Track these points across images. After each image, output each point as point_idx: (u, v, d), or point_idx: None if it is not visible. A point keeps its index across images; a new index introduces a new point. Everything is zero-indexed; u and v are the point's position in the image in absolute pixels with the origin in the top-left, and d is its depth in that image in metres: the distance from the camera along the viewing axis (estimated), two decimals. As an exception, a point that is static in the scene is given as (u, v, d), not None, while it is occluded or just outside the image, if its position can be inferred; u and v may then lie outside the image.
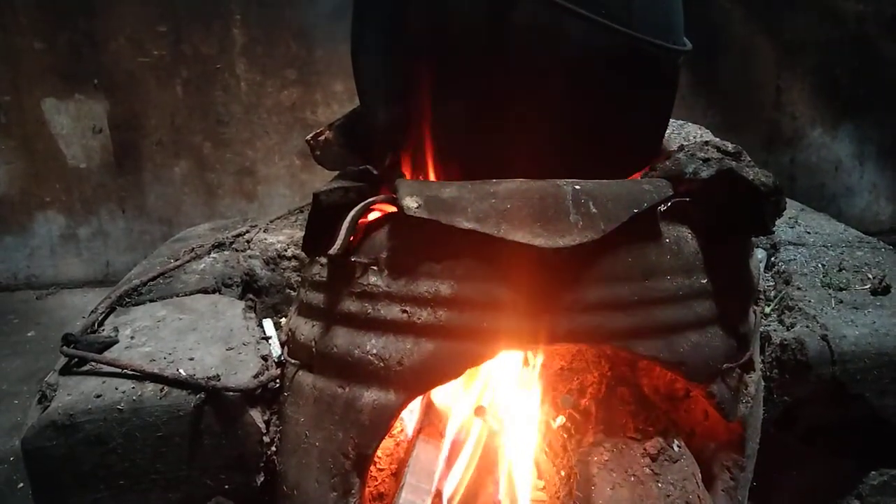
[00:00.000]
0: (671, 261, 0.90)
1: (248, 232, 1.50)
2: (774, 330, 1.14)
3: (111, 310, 1.17)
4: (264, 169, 2.61)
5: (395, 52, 0.99)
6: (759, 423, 1.03)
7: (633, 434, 0.98)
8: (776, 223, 0.94)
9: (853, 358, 1.07)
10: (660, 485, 0.92)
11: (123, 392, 0.92)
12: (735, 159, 0.95)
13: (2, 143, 2.47)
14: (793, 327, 1.13)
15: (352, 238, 0.89)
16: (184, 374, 0.94)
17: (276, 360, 1.03)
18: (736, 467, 1.00)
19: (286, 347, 1.03)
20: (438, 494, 0.99)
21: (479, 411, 1.04)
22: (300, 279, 1.28)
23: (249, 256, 1.37)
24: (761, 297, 1.22)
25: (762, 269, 1.32)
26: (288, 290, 1.35)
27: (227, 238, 1.46)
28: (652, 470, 0.93)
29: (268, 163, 2.60)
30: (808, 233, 1.48)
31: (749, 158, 0.97)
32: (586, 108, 0.96)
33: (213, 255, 1.40)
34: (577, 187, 0.87)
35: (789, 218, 1.56)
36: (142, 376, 0.94)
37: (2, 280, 2.58)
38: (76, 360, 0.98)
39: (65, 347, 0.98)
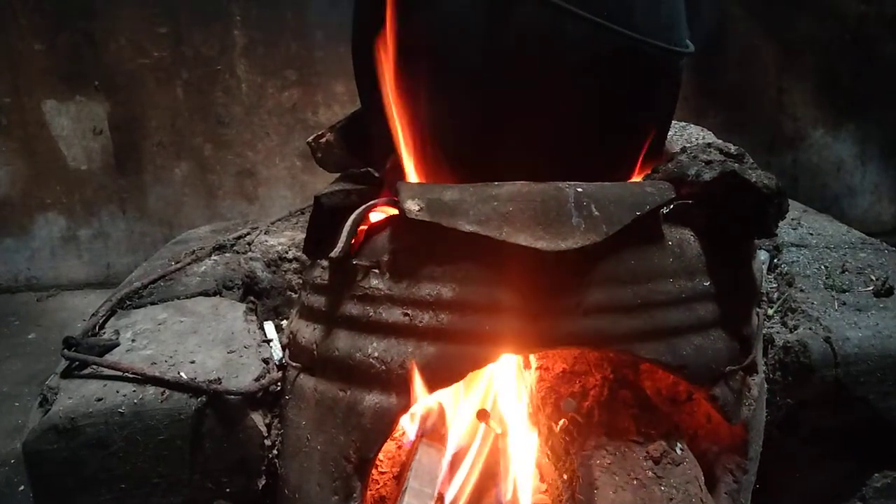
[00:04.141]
0: (674, 263, 0.90)
1: (249, 234, 1.50)
2: (777, 332, 1.14)
3: (112, 312, 1.17)
4: (265, 170, 2.60)
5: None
6: (762, 425, 1.03)
7: (635, 437, 0.97)
8: (779, 225, 0.93)
9: (856, 360, 1.07)
10: (662, 488, 0.92)
11: (124, 395, 0.92)
12: (737, 161, 0.94)
13: (2, 144, 2.47)
14: (796, 329, 1.12)
15: (353, 241, 0.89)
16: (185, 377, 0.94)
17: (277, 363, 1.03)
18: (739, 470, 1.00)
19: (287, 350, 1.02)
20: (441, 498, 0.98)
21: (482, 415, 1.04)
22: (301, 282, 1.28)
23: (250, 259, 1.37)
24: (764, 299, 1.21)
25: (765, 271, 1.32)
26: (289, 293, 1.34)
27: (227, 240, 1.46)
28: (654, 473, 0.93)
29: (268, 164, 2.60)
30: (811, 234, 1.48)
31: (751, 160, 0.96)
32: (588, 110, 0.96)
33: (213, 257, 1.39)
34: (580, 190, 0.87)
35: (792, 219, 1.55)
36: (143, 379, 0.94)
37: (2, 282, 2.58)
38: (77, 363, 0.98)
39: (66, 351, 0.98)
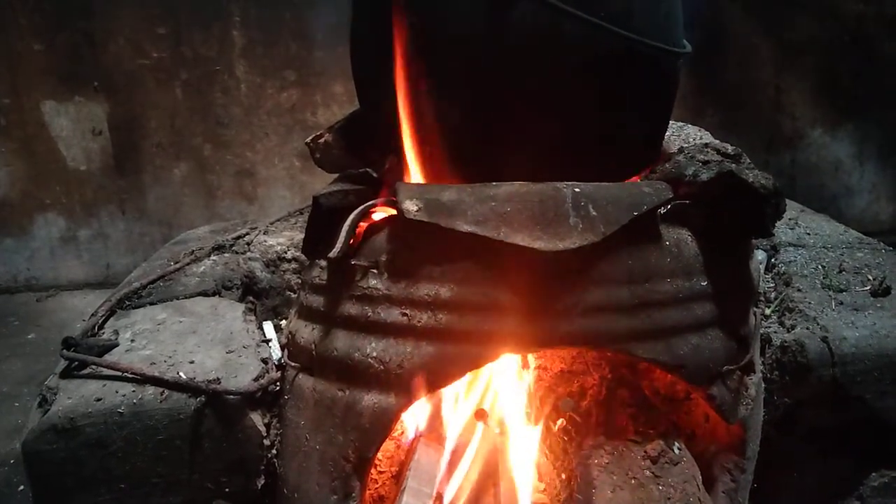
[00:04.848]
0: (671, 263, 0.90)
1: (248, 234, 1.50)
2: (775, 332, 1.14)
3: (111, 313, 1.17)
4: (264, 171, 2.61)
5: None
6: (760, 424, 1.03)
7: (633, 436, 0.98)
8: (776, 225, 0.94)
9: (853, 359, 1.07)
10: (660, 487, 0.92)
11: (124, 395, 0.92)
12: (735, 161, 0.95)
13: (2, 145, 2.47)
14: (793, 329, 1.12)
15: (351, 241, 0.89)
16: (184, 377, 0.94)
17: (276, 362, 1.03)
18: (736, 469, 1.00)
19: (286, 350, 1.03)
20: (439, 498, 0.99)
21: (480, 414, 1.04)
22: (300, 282, 1.28)
23: (249, 259, 1.37)
24: (761, 298, 1.22)
25: (762, 271, 1.32)
26: (288, 293, 1.35)
27: (227, 240, 1.46)
28: (652, 472, 0.93)
29: (267, 164, 2.60)
30: (808, 234, 1.48)
31: (749, 160, 0.97)
32: (585, 111, 0.96)
33: (213, 257, 1.40)
34: (577, 190, 0.87)
35: (789, 219, 1.56)
36: (142, 379, 0.94)
37: (2, 282, 2.58)
38: (76, 363, 0.98)
39: (65, 351, 0.98)
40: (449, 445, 1.04)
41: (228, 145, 2.57)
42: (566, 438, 1.02)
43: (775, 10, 2.68)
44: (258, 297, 1.32)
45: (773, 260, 1.36)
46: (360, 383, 0.88)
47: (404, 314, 0.86)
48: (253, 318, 1.20)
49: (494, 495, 1.01)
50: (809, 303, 1.18)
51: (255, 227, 1.55)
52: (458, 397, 1.07)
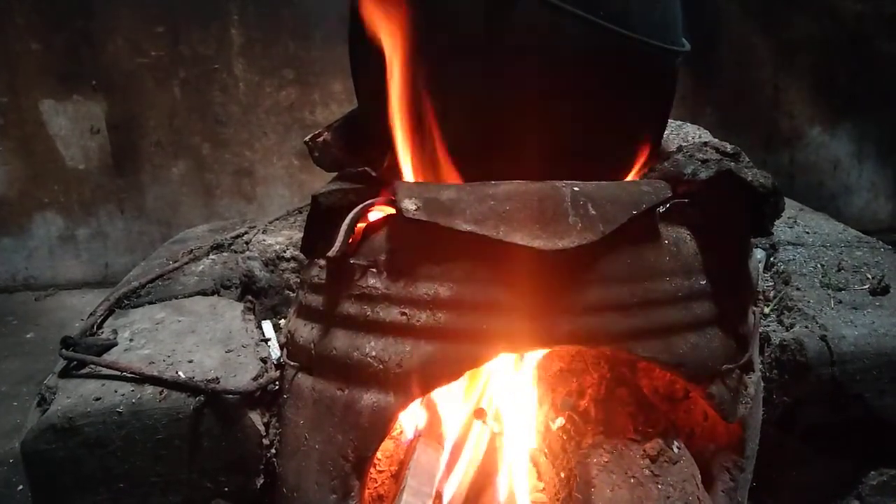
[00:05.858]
0: (670, 262, 0.90)
1: (246, 233, 1.50)
2: (774, 330, 1.14)
3: (110, 312, 1.17)
4: (263, 170, 2.60)
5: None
6: (759, 423, 1.03)
7: (632, 435, 0.98)
8: (775, 223, 0.94)
9: (852, 358, 1.07)
10: (659, 486, 0.92)
11: (122, 395, 0.92)
12: (734, 160, 0.95)
13: (0, 144, 2.47)
14: (792, 328, 1.13)
15: (350, 240, 0.89)
16: (183, 376, 0.94)
17: (275, 362, 1.03)
18: (735, 468, 1.00)
19: (285, 349, 1.02)
20: (439, 496, 0.99)
21: (479, 413, 1.04)
22: (299, 281, 1.28)
23: (248, 258, 1.37)
24: (760, 297, 1.21)
25: (761, 270, 1.32)
26: (287, 292, 1.34)
27: (225, 239, 1.46)
28: (651, 471, 0.93)
29: (266, 163, 2.60)
30: (807, 233, 1.48)
31: (748, 159, 0.97)
32: (584, 109, 0.96)
33: (211, 256, 1.40)
34: (576, 189, 0.87)
35: (788, 218, 1.56)
36: (141, 379, 0.94)
37: (0, 281, 2.58)
38: (75, 362, 0.98)
39: (63, 350, 0.98)
40: (448, 444, 1.04)
41: (227, 144, 2.57)
42: (565, 437, 1.02)
43: (774, 10, 2.68)
44: (257, 296, 1.32)
45: (772, 259, 1.36)
46: (359, 382, 0.88)
47: (403, 313, 0.86)
48: (252, 317, 1.20)
49: (493, 494, 1.01)
50: (808, 301, 1.18)
51: (254, 226, 1.55)
52: (458, 396, 1.07)
